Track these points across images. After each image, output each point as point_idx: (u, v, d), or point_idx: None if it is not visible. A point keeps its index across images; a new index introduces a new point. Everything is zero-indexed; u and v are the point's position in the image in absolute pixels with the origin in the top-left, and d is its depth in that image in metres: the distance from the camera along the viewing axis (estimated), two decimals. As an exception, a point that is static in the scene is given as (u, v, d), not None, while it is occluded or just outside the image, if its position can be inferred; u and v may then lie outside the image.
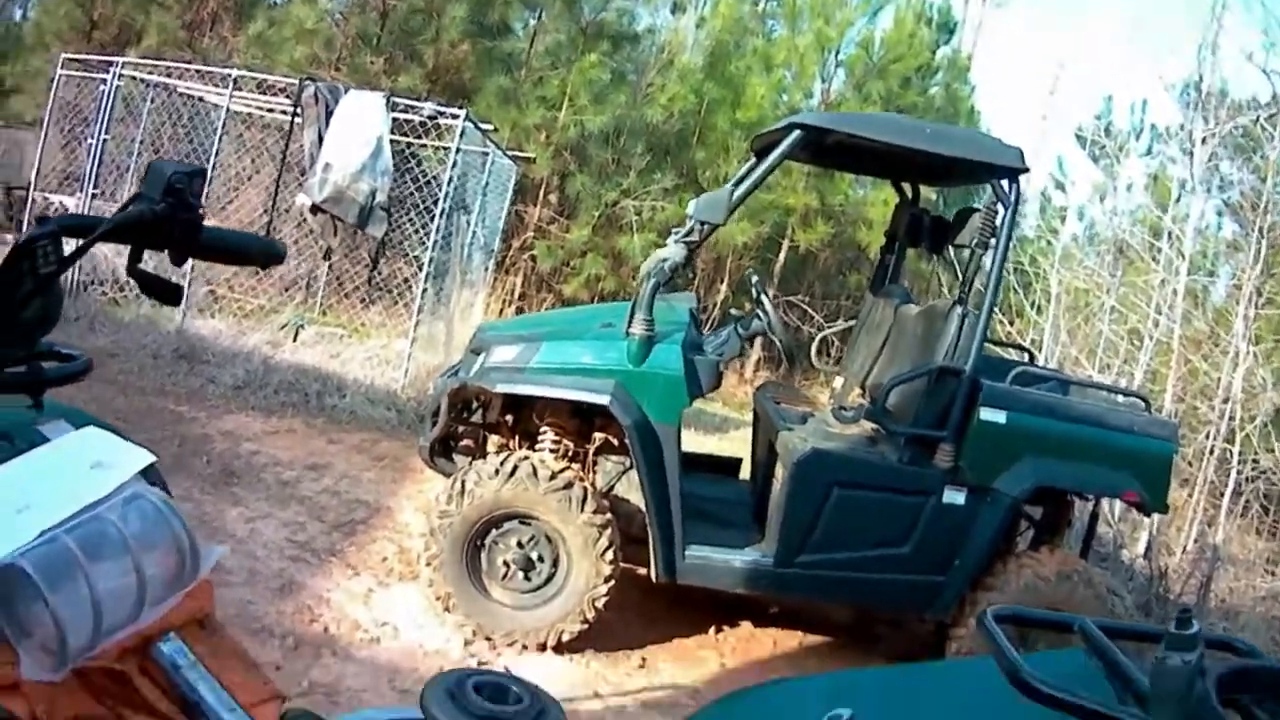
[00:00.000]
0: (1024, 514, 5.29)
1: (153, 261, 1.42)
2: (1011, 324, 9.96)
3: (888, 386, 4.73)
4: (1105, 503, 8.40)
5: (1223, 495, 8.75)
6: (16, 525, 1.03)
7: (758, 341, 5.74)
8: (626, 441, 4.46)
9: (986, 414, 4.64)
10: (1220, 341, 8.95)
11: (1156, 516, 8.04)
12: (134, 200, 1.28)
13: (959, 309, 4.73)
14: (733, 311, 6.11)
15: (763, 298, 4.89)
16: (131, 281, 1.32)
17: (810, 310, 11.30)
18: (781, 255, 11.52)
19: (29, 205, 7.99)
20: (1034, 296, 9.73)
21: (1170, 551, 8.34)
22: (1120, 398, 5.64)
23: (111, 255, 7.65)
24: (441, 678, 1.08)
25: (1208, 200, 9.41)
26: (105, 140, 7.96)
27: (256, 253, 1.49)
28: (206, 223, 1.36)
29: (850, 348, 5.94)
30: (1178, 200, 9.24)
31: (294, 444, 6.34)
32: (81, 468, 1.16)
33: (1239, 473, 8.79)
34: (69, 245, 1.28)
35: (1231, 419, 8.46)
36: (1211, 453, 8.45)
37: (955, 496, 4.68)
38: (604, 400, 4.44)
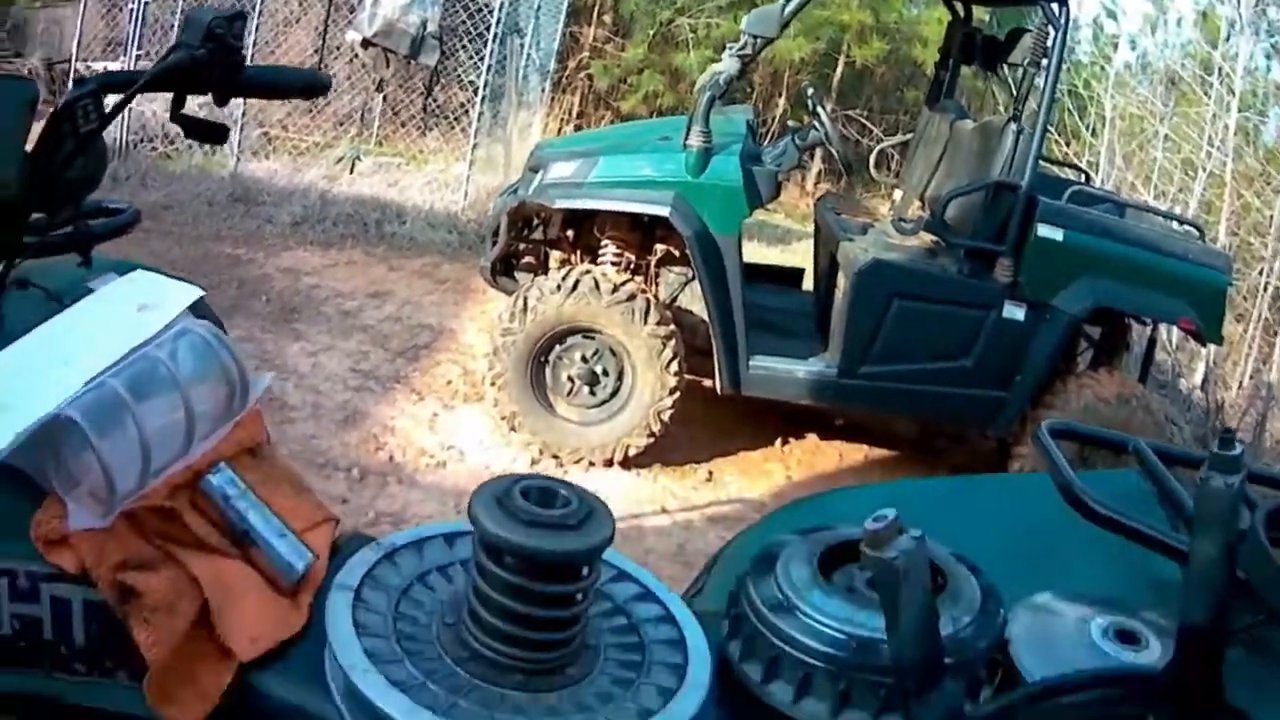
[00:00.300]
0: (1084, 334, 5.37)
1: (201, 110, 1.43)
2: (1067, 144, 9.85)
3: (945, 199, 4.74)
4: (1163, 330, 8.46)
5: (1278, 333, 8.74)
6: (64, 377, 1.04)
7: (816, 154, 5.72)
8: (688, 253, 4.54)
9: (1044, 230, 4.68)
10: (1272, 180, 8.86)
11: (1213, 349, 8.08)
12: (173, 49, 1.28)
13: (1013, 125, 4.74)
14: (790, 124, 6.08)
15: (819, 110, 4.90)
16: (181, 133, 1.35)
17: (868, 124, 11.22)
18: (838, 71, 11.39)
19: (70, 77, 7.98)
20: (1089, 119, 9.63)
21: (1226, 385, 8.36)
22: (1175, 225, 5.62)
23: (160, 111, 7.66)
24: (489, 484, 1.07)
25: (1256, 43, 9.25)
26: (146, 2, 7.92)
27: (299, 84, 1.50)
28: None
29: (908, 161, 5.94)
30: (1226, 39, 9.09)
31: (354, 274, 6.44)
32: (129, 311, 1.17)
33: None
34: (109, 105, 1.28)
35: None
36: (1265, 289, 8.40)
37: (1015, 311, 4.74)
38: (664, 211, 4.51)
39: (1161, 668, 1.02)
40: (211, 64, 1.27)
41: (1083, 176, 6.55)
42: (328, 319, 5.70)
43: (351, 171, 7.48)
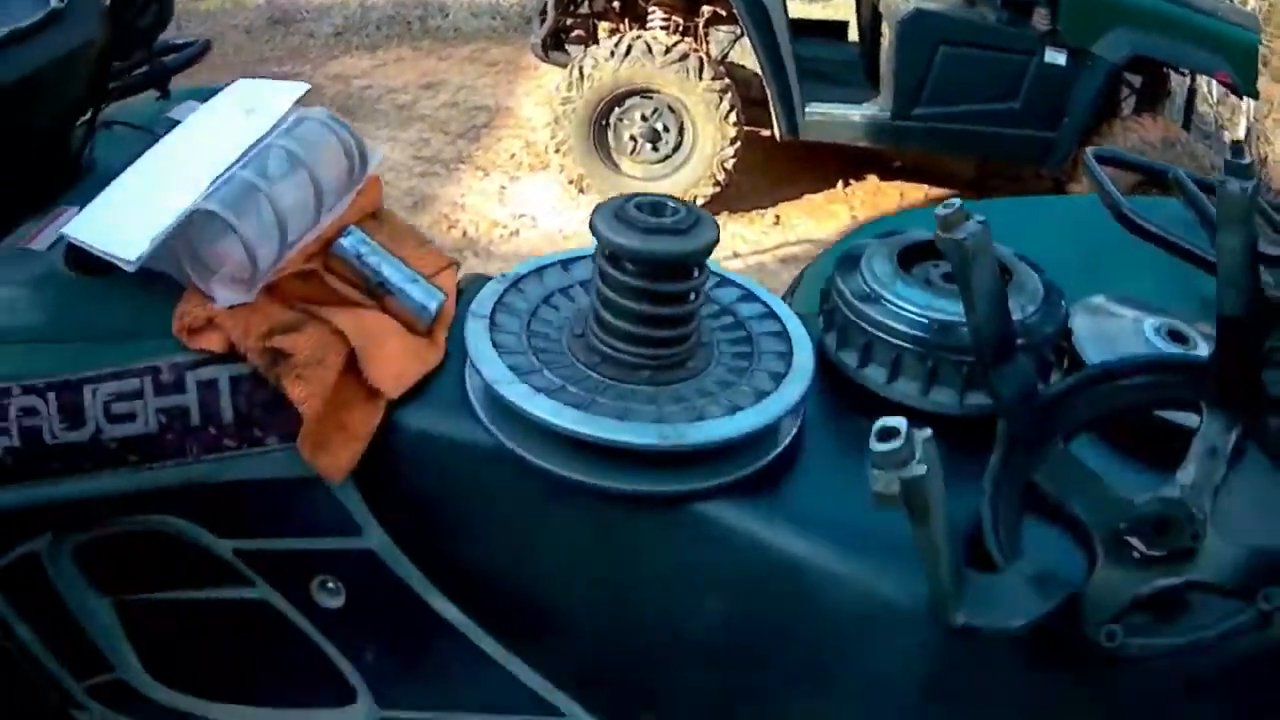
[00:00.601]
0: (1125, 81, 5.57)
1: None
2: None
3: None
4: (1202, 84, 8.56)
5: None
6: (190, 179, 1.09)
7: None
8: (733, 10, 4.74)
9: None
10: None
11: (1253, 104, 8.23)
12: None
13: None
14: None
15: None
16: None
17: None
18: None
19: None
20: None
21: (1269, 140, 8.45)
22: None
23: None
24: (607, 203, 1.17)
25: None
26: None
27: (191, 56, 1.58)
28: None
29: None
30: None
31: (404, 70, 6.60)
32: (238, 116, 1.22)
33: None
34: None
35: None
36: None
37: (1056, 57, 4.93)
38: None
39: (1208, 358, 1.09)
40: None
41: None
42: (384, 114, 5.91)
43: (389, -28, 7.58)
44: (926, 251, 1.27)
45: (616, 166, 4.87)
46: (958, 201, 0.99)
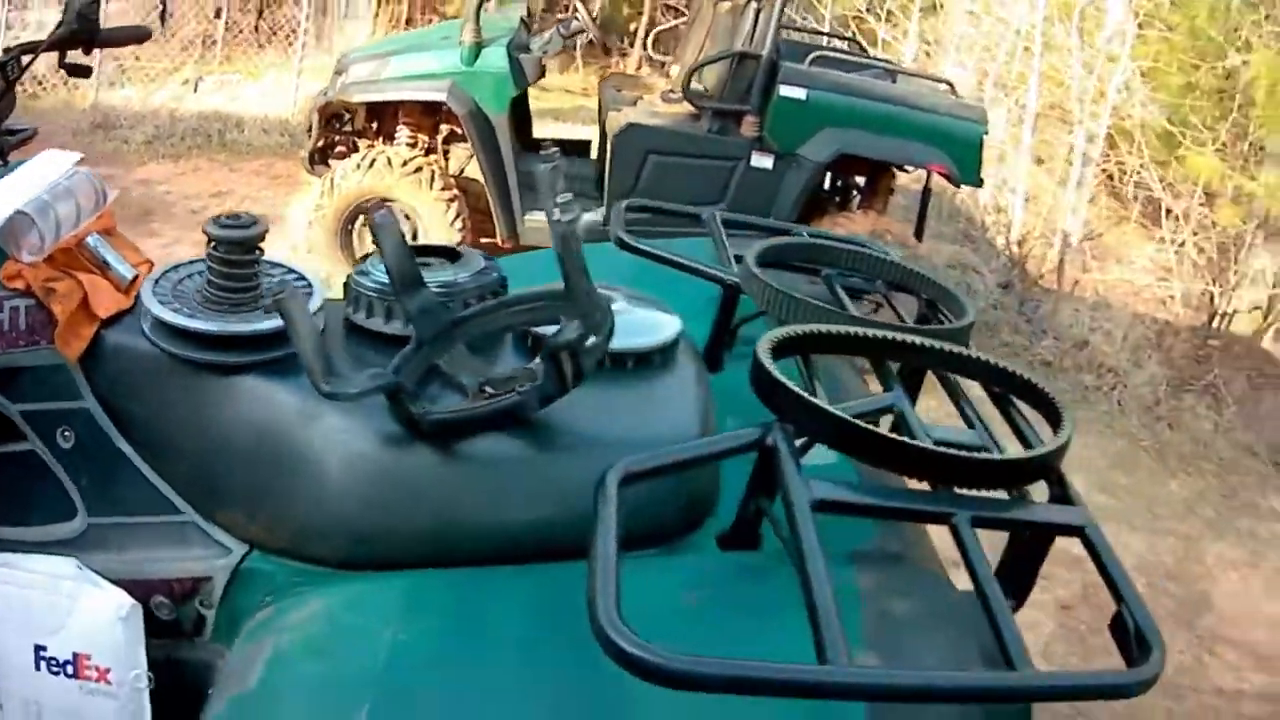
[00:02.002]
0: (851, 185, 6.41)
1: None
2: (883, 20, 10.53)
3: (691, 68, 5.76)
4: (981, 194, 9.42)
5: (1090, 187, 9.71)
6: (17, 195, 1.66)
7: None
8: (464, 129, 5.53)
9: (786, 91, 5.67)
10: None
11: (1019, 205, 9.14)
12: (60, 25, 2.15)
13: (754, 4, 5.69)
14: (559, 15, 7.01)
15: (579, 4, 5.91)
16: (45, 75, 2.28)
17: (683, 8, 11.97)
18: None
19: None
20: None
21: (1048, 240, 9.27)
22: (934, 84, 6.54)
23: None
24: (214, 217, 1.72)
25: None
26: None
27: (133, 36, 2.42)
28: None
29: (682, 41, 6.90)
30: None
31: (200, 179, 7.36)
32: (45, 167, 1.84)
33: (1106, 173, 9.77)
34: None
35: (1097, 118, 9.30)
36: (1071, 151, 9.23)
37: (763, 161, 5.75)
38: (441, 96, 5.52)
39: (560, 289, 1.49)
40: (82, 31, 2.18)
41: (857, 47, 7.58)
42: (178, 218, 6.66)
43: (195, 91, 8.36)
44: (423, 252, 1.76)
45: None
46: (385, 205, 1.72)
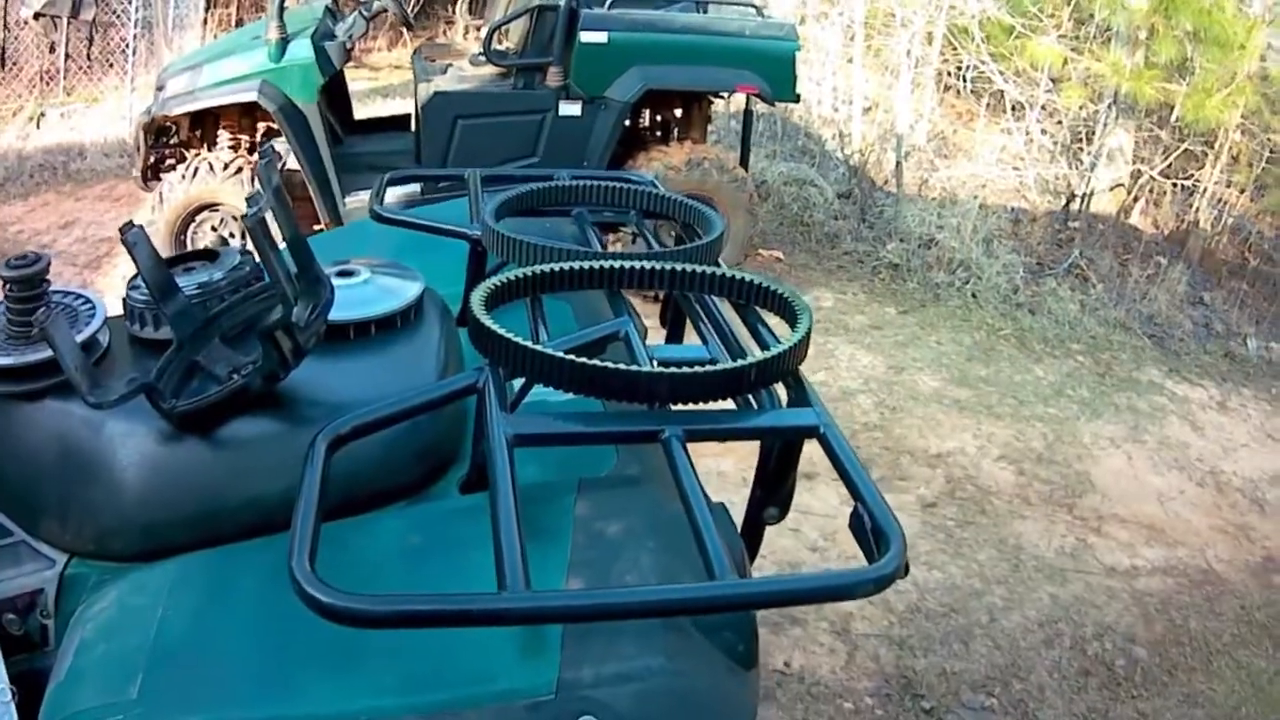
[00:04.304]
0: (669, 119, 6.63)
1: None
2: None
3: (491, 28, 5.98)
4: (816, 110, 9.61)
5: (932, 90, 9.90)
6: None
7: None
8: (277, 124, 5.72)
9: (587, 37, 5.90)
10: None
11: (857, 115, 9.37)
12: None
13: None
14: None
15: None
16: None
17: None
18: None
19: None
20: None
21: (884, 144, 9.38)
22: (740, 9, 6.69)
23: None
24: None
25: None
26: None
27: None
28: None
29: (490, 5, 7.06)
30: None
31: (48, 213, 7.46)
32: None
33: (947, 73, 9.97)
34: None
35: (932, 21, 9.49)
36: (909, 54, 9.45)
37: (571, 109, 5.98)
38: (252, 96, 5.67)
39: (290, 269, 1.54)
40: None
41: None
42: (30, 255, 6.76)
43: (39, 126, 8.46)
44: (189, 258, 1.83)
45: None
46: (130, 222, 1.65)
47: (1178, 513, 4.88)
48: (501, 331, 1.33)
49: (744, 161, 6.70)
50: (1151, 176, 8.75)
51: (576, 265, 1.57)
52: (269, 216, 1.45)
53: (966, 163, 9.63)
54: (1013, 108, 9.57)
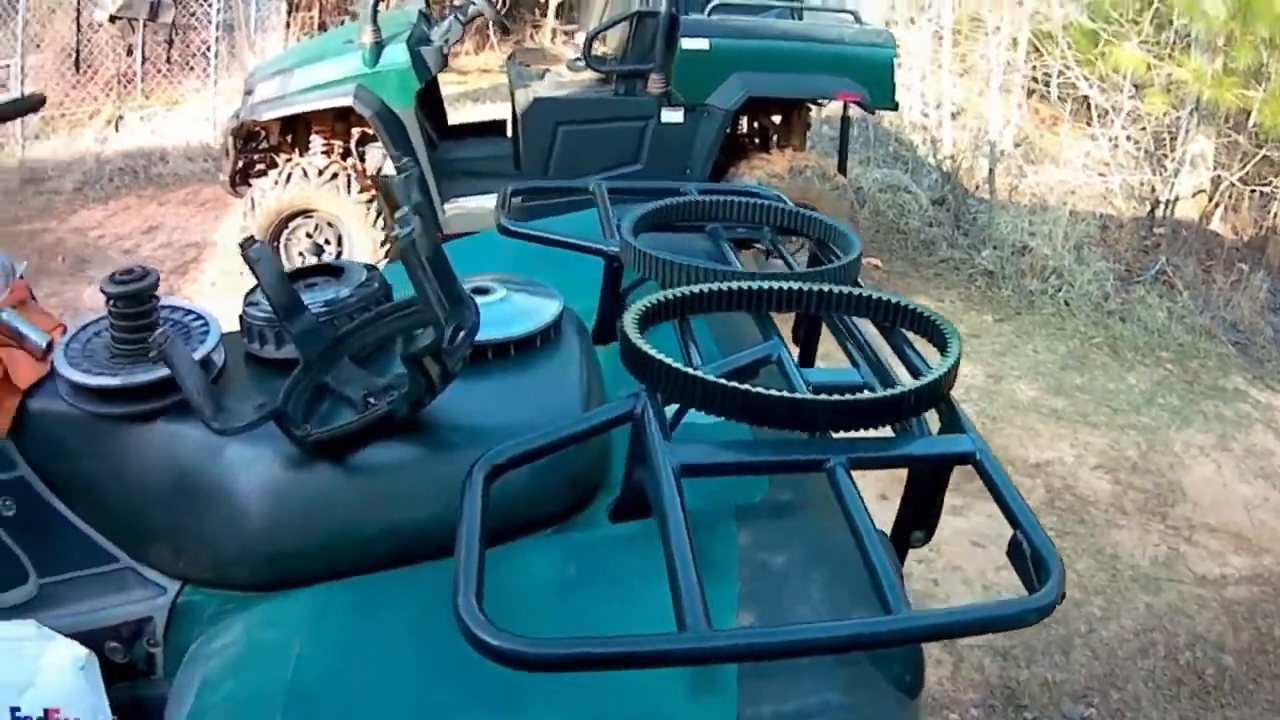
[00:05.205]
0: (768, 126, 6.45)
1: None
2: None
3: (590, 35, 5.81)
4: (905, 116, 9.43)
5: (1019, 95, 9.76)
6: None
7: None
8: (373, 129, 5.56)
9: (688, 43, 5.73)
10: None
11: (947, 121, 9.19)
12: None
13: None
14: (455, 2, 7.01)
15: None
16: None
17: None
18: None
19: None
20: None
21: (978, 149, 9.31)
22: (837, 15, 6.58)
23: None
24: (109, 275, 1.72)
25: None
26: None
27: (26, 108, 2.31)
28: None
29: (585, 8, 6.95)
30: None
31: (130, 218, 7.34)
32: None
33: (1034, 79, 9.82)
34: None
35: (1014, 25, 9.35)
36: (992, 61, 9.29)
37: (673, 115, 5.81)
38: (348, 101, 5.51)
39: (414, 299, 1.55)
40: None
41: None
42: (113, 260, 6.60)
43: (118, 130, 8.35)
44: (309, 273, 1.81)
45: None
46: (252, 236, 1.56)
47: (1263, 521, 4.82)
48: (661, 357, 1.29)
49: (842, 168, 6.54)
50: (1231, 183, 8.62)
51: (730, 286, 1.53)
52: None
53: (1054, 169, 9.51)
54: (1098, 113, 9.34)
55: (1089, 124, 9.74)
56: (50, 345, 1.80)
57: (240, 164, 6.01)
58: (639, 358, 1.32)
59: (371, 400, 1.59)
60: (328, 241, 5.62)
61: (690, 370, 1.28)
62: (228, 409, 1.52)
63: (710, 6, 5.98)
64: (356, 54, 5.56)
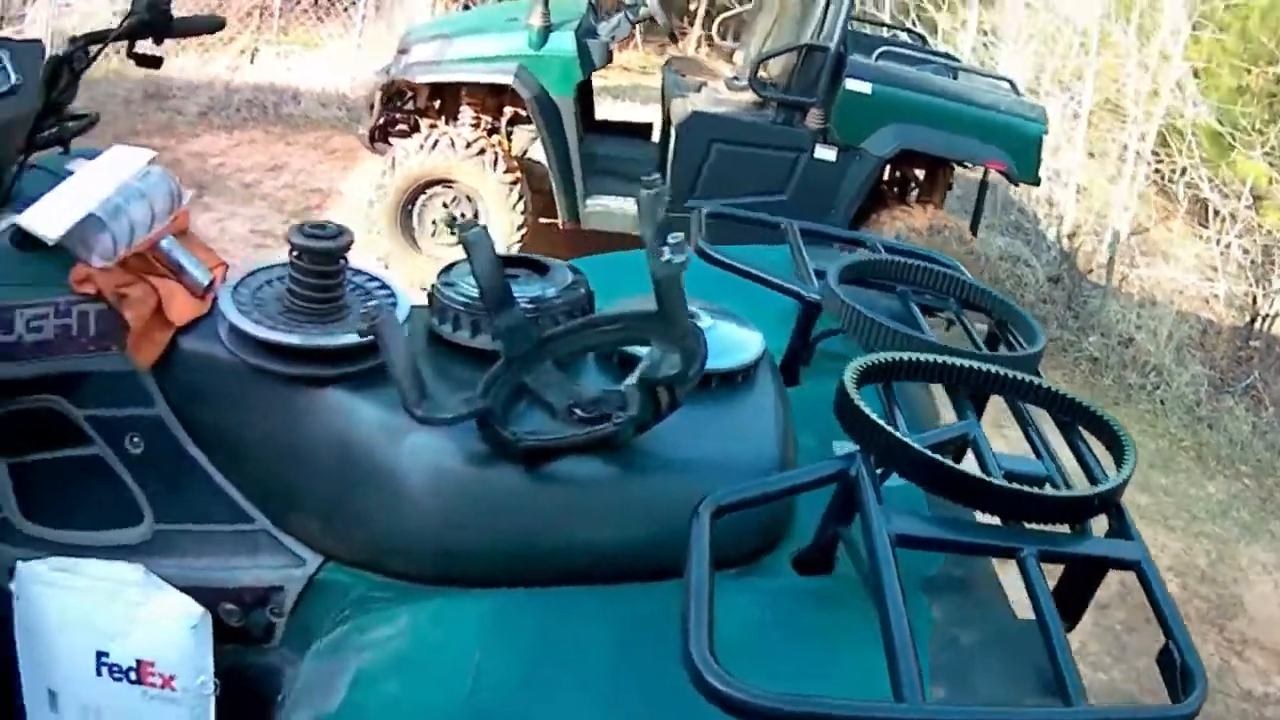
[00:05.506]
0: (909, 177, 6.35)
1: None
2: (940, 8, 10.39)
3: (758, 59, 5.72)
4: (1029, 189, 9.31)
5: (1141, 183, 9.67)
6: (88, 198, 1.66)
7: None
8: (530, 113, 5.48)
9: (852, 84, 5.63)
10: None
11: (1071, 199, 9.08)
12: (130, 14, 2.00)
13: None
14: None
15: None
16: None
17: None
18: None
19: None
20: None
21: (1098, 234, 9.26)
22: (994, 81, 6.51)
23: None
24: (295, 226, 1.70)
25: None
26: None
27: (205, 26, 2.29)
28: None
29: (748, 27, 6.85)
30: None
31: (255, 152, 7.30)
32: (116, 166, 1.77)
33: (1157, 171, 9.70)
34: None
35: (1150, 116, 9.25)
36: (1125, 149, 9.19)
37: (826, 153, 5.71)
38: (508, 79, 5.46)
39: (654, 311, 1.52)
40: (154, 22, 2.04)
41: (919, 39, 7.54)
42: (232, 191, 6.60)
43: (253, 62, 8.29)
44: (510, 263, 1.76)
45: (417, 246, 5.57)
46: (470, 219, 1.64)
47: (1313, 646, 4.87)
48: (884, 425, 1.33)
49: (973, 231, 6.42)
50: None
51: (948, 362, 1.56)
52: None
53: (1163, 264, 9.41)
54: (1214, 213, 9.25)
55: (1204, 225, 9.63)
56: (212, 284, 1.77)
57: (382, 120, 5.95)
58: (859, 420, 1.35)
59: (577, 410, 1.56)
60: (463, 215, 5.54)
61: (915, 444, 1.32)
62: (433, 400, 1.48)
63: (878, 52, 5.95)
64: (522, 34, 5.50)
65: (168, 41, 2.12)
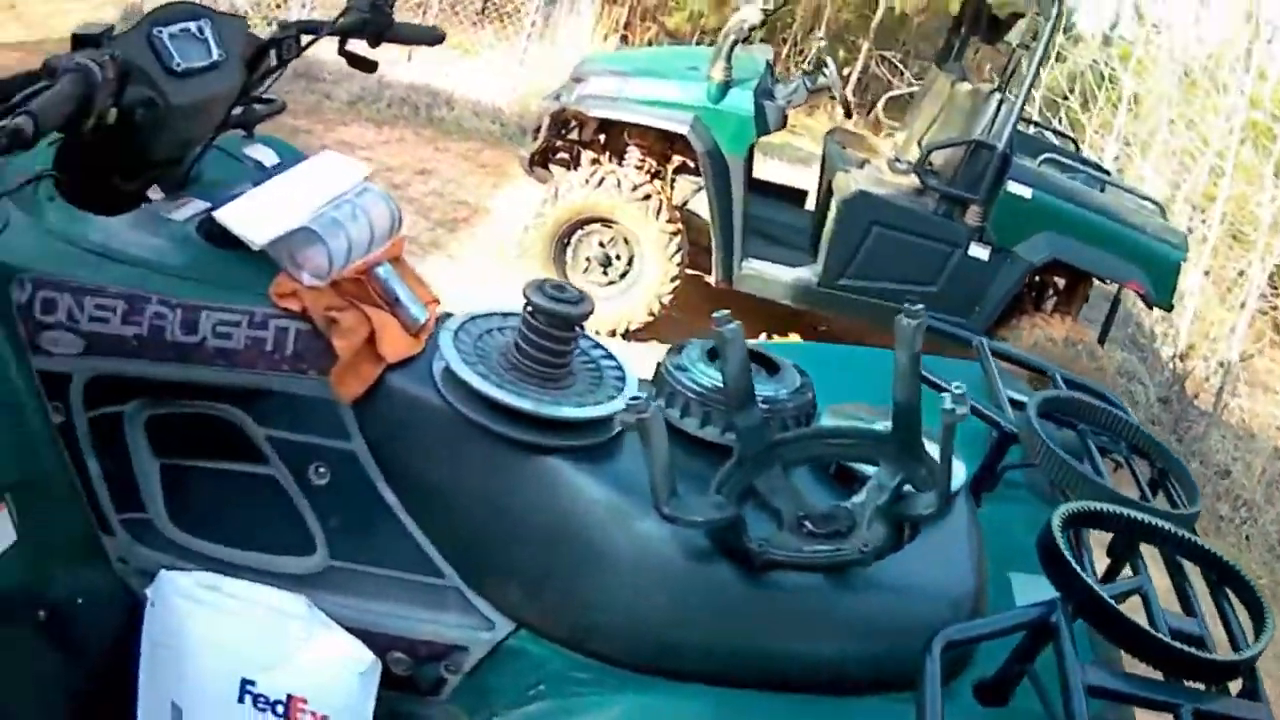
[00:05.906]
0: (1048, 284, 6.35)
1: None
2: (1083, 110, 10.42)
3: (929, 148, 5.72)
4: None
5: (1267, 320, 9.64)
6: (299, 207, 1.60)
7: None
8: (700, 166, 5.51)
9: (1013, 187, 5.64)
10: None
11: (1188, 324, 9.06)
12: (346, 12, 1.95)
13: (998, 95, 5.74)
14: (805, 67, 6.97)
15: (828, 60, 5.89)
16: (248, 12, 2.09)
17: (900, 66, 12.06)
18: (879, 12, 12.18)
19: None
20: (1115, 93, 10.37)
21: (1207, 358, 9.26)
22: (1143, 201, 6.51)
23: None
24: (531, 281, 1.64)
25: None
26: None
27: (425, 37, 2.18)
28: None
29: (912, 110, 6.87)
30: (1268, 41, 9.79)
31: (403, 151, 7.34)
32: (329, 174, 1.71)
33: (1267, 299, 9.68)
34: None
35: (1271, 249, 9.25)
36: (1242, 275, 9.19)
37: (980, 252, 5.70)
38: (684, 129, 5.48)
39: (888, 431, 1.53)
40: (374, 23, 2.00)
41: (1072, 144, 7.54)
42: (376, 191, 6.64)
43: (410, 58, 8.34)
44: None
45: (566, 279, 5.58)
46: (727, 313, 1.50)
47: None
48: (1089, 579, 1.35)
49: (1101, 344, 6.41)
50: None
51: (1149, 522, 1.56)
52: None
53: (1263, 394, 9.42)
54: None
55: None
56: (427, 322, 1.73)
57: (543, 145, 5.99)
58: (1064, 569, 1.37)
59: (807, 524, 1.55)
60: (617, 256, 5.58)
61: (1112, 602, 1.35)
62: (683, 500, 1.45)
63: (1041, 158, 5.98)
64: (701, 85, 5.53)
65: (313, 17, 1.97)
